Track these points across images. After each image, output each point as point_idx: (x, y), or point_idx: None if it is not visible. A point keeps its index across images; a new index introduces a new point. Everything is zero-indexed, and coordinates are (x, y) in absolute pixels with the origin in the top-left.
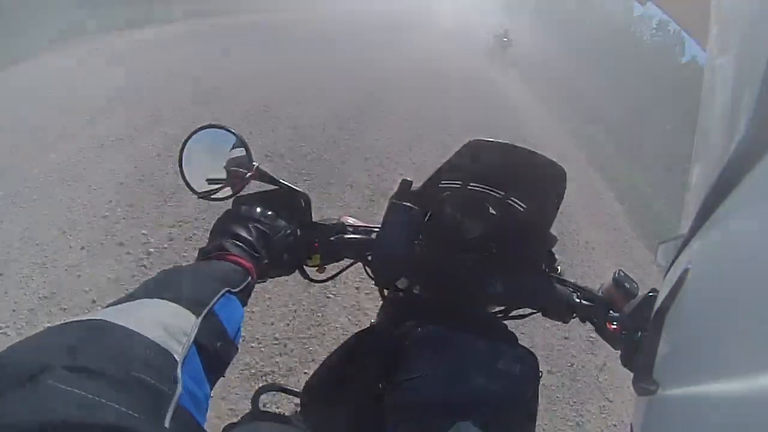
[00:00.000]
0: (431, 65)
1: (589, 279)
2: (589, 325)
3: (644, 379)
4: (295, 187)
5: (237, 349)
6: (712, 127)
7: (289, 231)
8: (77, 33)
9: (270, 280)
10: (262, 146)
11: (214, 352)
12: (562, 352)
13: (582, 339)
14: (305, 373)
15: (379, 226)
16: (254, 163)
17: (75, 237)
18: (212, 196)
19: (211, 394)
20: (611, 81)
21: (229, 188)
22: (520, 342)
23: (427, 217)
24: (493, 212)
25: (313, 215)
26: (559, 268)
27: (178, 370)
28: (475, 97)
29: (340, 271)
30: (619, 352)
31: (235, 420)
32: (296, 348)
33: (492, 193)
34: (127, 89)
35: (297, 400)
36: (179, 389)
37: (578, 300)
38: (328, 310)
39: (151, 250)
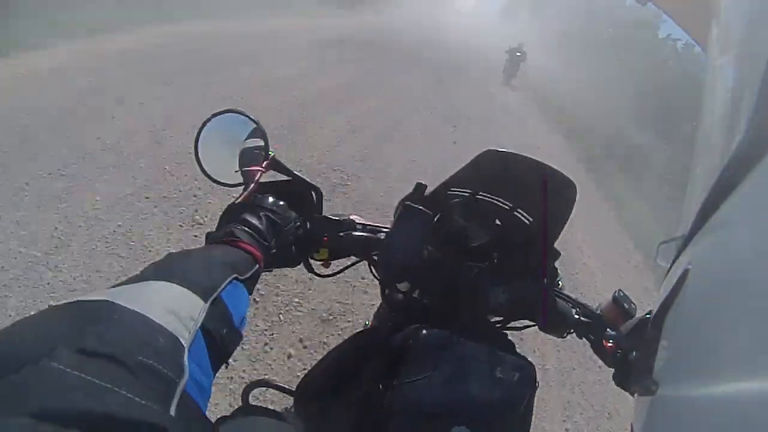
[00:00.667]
0: (431, 89)
1: None
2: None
3: (644, 379)
4: (308, 180)
5: (242, 337)
6: (712, 128)
7: (299, 223)
8: None
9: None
10: None
11: (220, 339)
12: None
13: None
14: None
15: (387, 226)
16: (270, 153)
17: None
18: (226, 182)
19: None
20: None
21: (243, 175)
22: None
23: (435, 222)
24: (499, 223)
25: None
26: (560, 283)
27: (185, 357)
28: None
29: (345, 268)
30: (613, 370)
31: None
32: None
33: (499, 204)
34: None
35: (287, 398)
36: (186, 376)
37: (577, 316)
38: None
39: None
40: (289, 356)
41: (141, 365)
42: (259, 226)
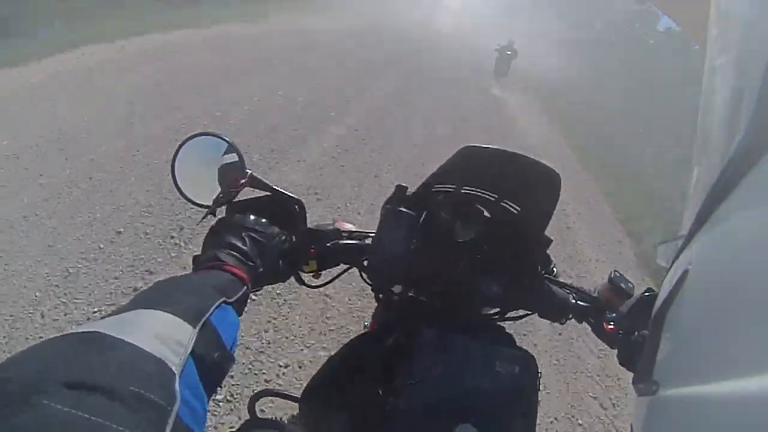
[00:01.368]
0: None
1: None
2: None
3: (644, 379)
4: (288, 193)
5: (233, 360)
6: (712, 128)
7: (284, 238)
8: None
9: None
10: None
11: (212, 363)
12: None
13: None
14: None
15: (373, 231)
16: (247, 171)
17: None
18: (206, 204)
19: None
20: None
21: (222, 195)
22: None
23: (421, 221)
24: (487, 214)
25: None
26: (554, 269)
27: (176, 383)
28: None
29: (336, 276)
30: (617, 351)
31: (233, 428)
32: None
33: (485, 195)
34: None
35: (294, 405)
36: (178, 403)
37: (574, 301)
38: None
39: None
40: None
41: (133, 395)
42: (243, 247)
